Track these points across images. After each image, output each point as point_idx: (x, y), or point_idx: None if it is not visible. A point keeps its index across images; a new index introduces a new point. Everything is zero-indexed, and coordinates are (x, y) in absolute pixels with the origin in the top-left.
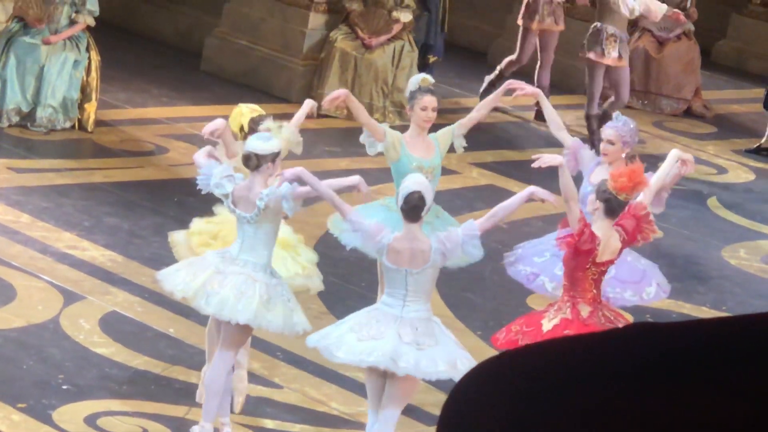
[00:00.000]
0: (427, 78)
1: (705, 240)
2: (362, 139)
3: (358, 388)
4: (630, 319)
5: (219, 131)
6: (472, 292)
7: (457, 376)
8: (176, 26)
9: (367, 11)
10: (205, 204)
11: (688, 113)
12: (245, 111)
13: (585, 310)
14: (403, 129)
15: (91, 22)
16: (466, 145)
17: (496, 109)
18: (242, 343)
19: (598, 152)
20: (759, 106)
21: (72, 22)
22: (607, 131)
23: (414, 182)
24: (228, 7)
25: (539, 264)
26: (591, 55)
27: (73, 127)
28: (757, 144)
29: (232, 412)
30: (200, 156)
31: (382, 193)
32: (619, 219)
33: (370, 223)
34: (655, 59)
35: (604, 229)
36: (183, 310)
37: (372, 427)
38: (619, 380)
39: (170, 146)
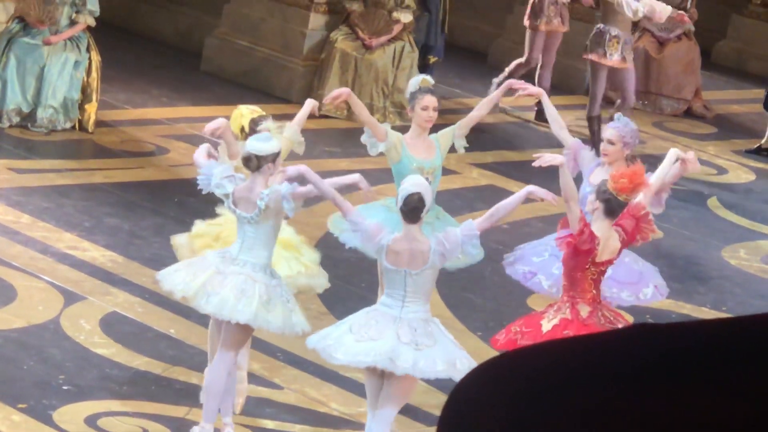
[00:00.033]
0: (427, 79)
1: (705, 240)
2: (363, 139)
3: (357, 389)
4: (630, 319)
5: (220, 130)
6: (472, 292)
7: (456, 376)
8: (176, 26)
9: (368, 12)
10: (206, 204)
11: (689, 114)
12: (245, 112)
13: (584, 311)
14: (403, 129)
15: (92, 22)
16: (467, 145)
17: (502, 111)
18: (243, 343)
19: (598, 153)
20: (759, 106)
21: (72, 23)
22: (608, 131)
23: (413, 183)
24: (228, 7)
25: (537, 263)
26: (593, 57)
27: (73, 127)
28: (758, 144)
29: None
30: (200, 156)
31: (383, 194)
32: (618, 219)
33: (370, 224)
34: (655, 59)
35: (603, 230)
36: (183, 310)
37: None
38: (620, 381)
39: (171, 147)
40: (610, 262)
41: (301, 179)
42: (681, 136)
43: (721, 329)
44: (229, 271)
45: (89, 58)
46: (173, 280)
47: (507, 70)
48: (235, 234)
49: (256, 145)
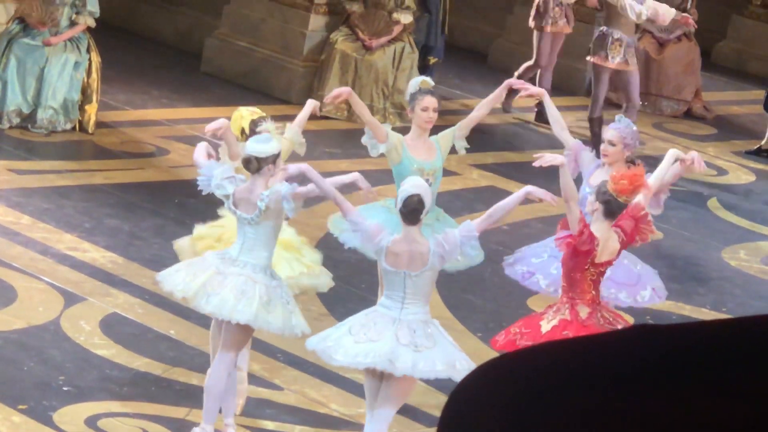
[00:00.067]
0: (427, 80)
1: (705, 241)
2: (364, 140)
3: (357, 390)
4: (630, 320)
5: (221, 131)
6: (472, 293)
7: (456, 376)
8: (176, 27)
9: (368, 13)
10: (206, 205)
11: (689, 114)
12: (245, 114)
13: (584, 311)
14: (403, 131)
15: (92, 23)
16: (468, 146)
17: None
18: (243, 344)
19: (598, 155)
20: (759, 107)
21: (72, 24)
22: (609, 132)
23: (413, 185)
24: (228, 8)
25: (536, 264)
26: (595, 59)
27: (73, 128)
28: (758, 145)
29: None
30: (200, 156)
31: (383, 195)
32: (617, 220)
33: (370, 224)
34: (655, 60)
35: (602, 230)
36: (184, 311)
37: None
38: (620, 382)
39: (171, 148)
40: (609, 263)
41: (303, 178)
42: (681, 137)
43: (721, 330)
44: (229, 272)
45: (89, 59)
46: (173, 280)
47: (516, 74)
48: (236, 235)
49: (255, 147)
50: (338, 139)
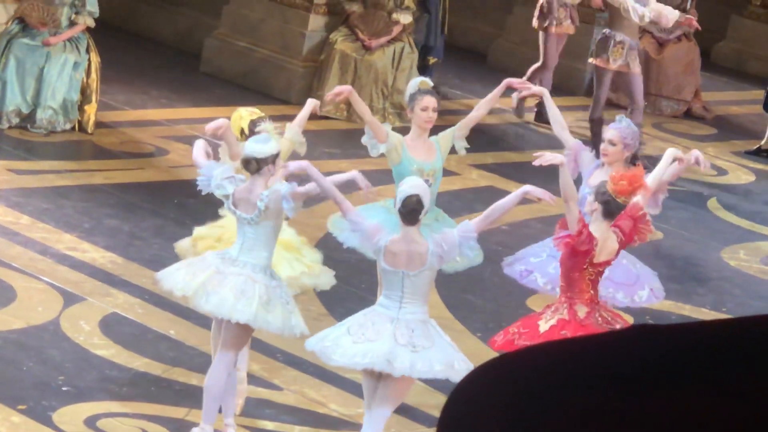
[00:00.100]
0: (426, 81)
1: (705, 241)
2: (364, 140)
3: (357, 390)
4: (629, 320)
5: (221, 131)
6: (472, 293)
7: (454, 376)
8: (176, 27)
9: (367, 13)
10: (206, 205)
11: (688, 115)
12: (244, 114)
13: (582, 311)
14: (403, 131)
15: (91, 23)
16: (468, 146)
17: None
18: (243, 344)
19: (598, 155)
20: (759, 107)
21: (72, 24)
22: (610, 132)
23: (412, 185)
24: (228, 8)
25: (534, 263)
26: (597, 62)
27: (73, 128)
28: (757, 145)
29: None
30: (199, 155)
31: (383, 195)
32: (616, 220)
33: (369, 224)
34: (655, 60)
35: (601, 231)
36: (183, 311)
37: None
38: (619, 381)
39: (170, 148)
40: (607, 263)
41: (303, 176)
42: (681, 137)
43: (720, 330)
44: (229, 271)
45: (89, 59)
46: (173, 279)
47: (525, 77)
48: (236, 236)
49: (255, 147)
50: (338, 139)
